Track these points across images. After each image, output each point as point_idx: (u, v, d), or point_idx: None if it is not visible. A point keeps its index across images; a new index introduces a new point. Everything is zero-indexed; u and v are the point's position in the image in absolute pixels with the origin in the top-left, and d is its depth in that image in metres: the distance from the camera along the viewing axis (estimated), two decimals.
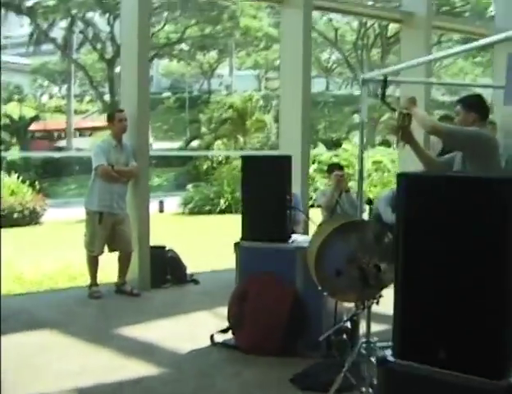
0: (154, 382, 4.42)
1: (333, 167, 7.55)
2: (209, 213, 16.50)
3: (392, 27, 26.28)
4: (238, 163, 17.40)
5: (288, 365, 4.63)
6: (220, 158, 19.68)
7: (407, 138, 4.27)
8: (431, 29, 8.55)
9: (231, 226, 13.31)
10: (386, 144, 23.54)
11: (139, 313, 6.00)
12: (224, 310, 6.02)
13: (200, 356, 4.91)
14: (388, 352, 2.54)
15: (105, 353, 4.92)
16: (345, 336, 4.86)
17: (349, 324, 4.74)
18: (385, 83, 4.80)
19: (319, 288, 4.19)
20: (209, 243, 10.57)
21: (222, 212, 16.45)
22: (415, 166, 8.30)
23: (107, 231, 6.47)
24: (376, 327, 4.96)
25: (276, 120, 22.07)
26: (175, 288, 6.93)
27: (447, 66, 29.14)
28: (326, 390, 4.03)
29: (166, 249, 7.16)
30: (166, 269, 6.98)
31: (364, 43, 26.58)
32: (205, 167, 20.28)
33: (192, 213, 16.69)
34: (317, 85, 33.66)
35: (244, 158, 5.42)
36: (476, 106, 4.31)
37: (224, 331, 5.15)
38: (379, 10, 8.49)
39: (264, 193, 5.08)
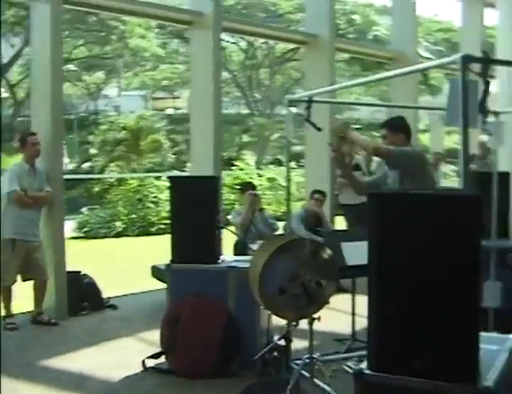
0: None
1: (246, 187, 7.65)
2: (105, 236, 16.12)
3: (279, 47, 26.91)
4: (134, 185, 17.24)
5: (226, 386, 4.64)
6: (112, 180, 19.33)
7: (341, 161, 4.41)
8: (334, 51, 8.85)
9: (133, 248, 13.21)
10: (276, 162, 23.94)
11: (61, 343, 5.79)
12: (147, 335, 5.98)
13: (135, 383, 4.81)
14: (364, 365, 2.61)
15: (34, 388, 4.70)
16: (276, 353, 4.95)
17: (282, 342, 4.82)
18: (309, 104, 4.95)
19: (261, 307, 4.23)
20: (116, 267, 10.31)
21: (119, 235, 16.10)
22: (322, 184, 8.60)
23: (20, 259, 6.22)
24: (304, 343, 5.08)
25: (171, 140, 21.98)
26: (93, 315, 6.75)
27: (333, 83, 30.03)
28: None
29: (82, 274, 6.96)
30: (82, 296, 6.78)
31: (253, 63, 27.04)
32: (97, 189, 19.86)
33: (88, 236, 16.25)
34: None
35: (172, 179, 5.36)
36: (402, 127, 4.54)
37: (156, 355, 5.07)
38: (284, 32, 8.71)
39: (193, 214, 5.06)
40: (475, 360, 2.44)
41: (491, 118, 5.60)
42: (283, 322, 4.86)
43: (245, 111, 30.84)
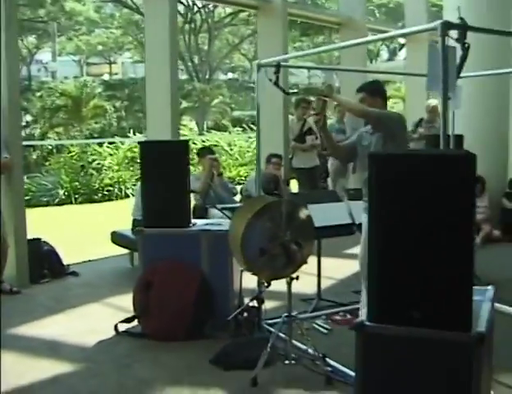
0: (73, 379, 4.30)
1: (205, 152, 7.67)
2: (47, 204, 15.80)
3: (217, 11, 26.70)
4: (76, 152, 16.92)
5: (201, 348, 4.72)
6: (50, 147, 18.90)
7: (322, 124, 4.48)
8: (287, 16, 8.89)
9: (80, 216, 13.02)
10: (217, 128, 23.92)
11: (27, 311, 5.73)
12: (114, 300, 6.01)
13: (110, 347, 4.83)
14: (363, 317, 2.74)
15: (6, 356, 4.63)
16: (246, 314, 5.07)
17: (255, 303, 4.94)
18: (278, 69, 5.00)
19: (240, 269, 4.31)
20: (68, 234, 10.16)
21: (62, 203, 15.81)
22: (275, 148, 8.68)
23: None
24: (271, 304, 5.22)
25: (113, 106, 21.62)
26: (55, 282, 6.68)
27: None
28: (248, 367, 4.18)
29: (42, 241, 6.88)
30: (43, 263, 6.71)
31: (191, 28, 26.73)
32: (35, 157, 19.39)
33: (29, 205, 15.85)
34: (143, 70, 33.28)
35: (142, 144, 5.34)
36: (379, 91, 4.65)
37: (129, 319, 5.11)
38: None
39: (163, 178, 5.08)
40: (469, 309, 2.61)
41: None
42: (253, 283, 5.02)
43: (184, 76, 30.58)
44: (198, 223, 5.30)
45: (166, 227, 5.08)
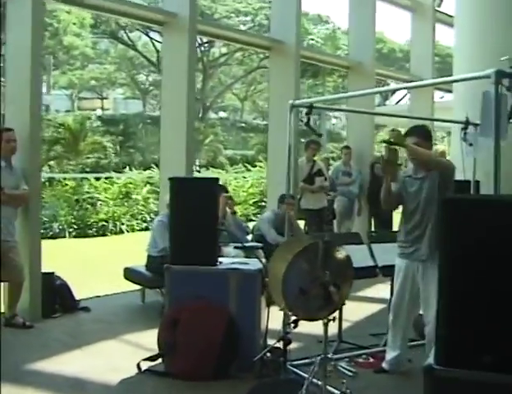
0: None
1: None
2: (42, 237, 15.55)
3: (212, 51, 26.97)
4: (72, 185, 16.82)
5: (226, 388, 4.68)
6: (43, 180, 18.73)
7: (392, 171, 4.49)
8: (299, 58, 8.98)
9: (75, 250, 12.85)
10: (210, 165, 23.93)
11: (43, 346, 5.61)
12: (130, 337, 5.94)
13: (135, 386, 4.75)
14: (431, 360, 2.71)
15: (27, 392, 4.54)
16: (269, 354, 5.02)
17: (281, 344, 4.88)
18: (310, 110, 5.04)
19: (279, 309, 4.27)
20: (68, 269, 10.03)
21: (55, 236, 15.63)
22: (284, 189, 8.68)
23: None
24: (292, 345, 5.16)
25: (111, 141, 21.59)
26: (66, 317, 6.55)
27: (262, 90, 30.47)
28: None
29: (55, 275, 6.78)
30: (55, 298, 6.60)
31: None
32: None
33: None
34: (134, 106, 33.46)
35: (173, 180, 5.31)
36: (430, 135, 4.73)
37: (153, 358, 5.02)
38: (252, 37, 8.75)
39: (192, 215, 5.05)
40: None
41: (471, 130, 5.89)
42: (278, 324, 4.97)
43: None
44: (225, 262, 5.25)
45: (193, 265, 5.02)
